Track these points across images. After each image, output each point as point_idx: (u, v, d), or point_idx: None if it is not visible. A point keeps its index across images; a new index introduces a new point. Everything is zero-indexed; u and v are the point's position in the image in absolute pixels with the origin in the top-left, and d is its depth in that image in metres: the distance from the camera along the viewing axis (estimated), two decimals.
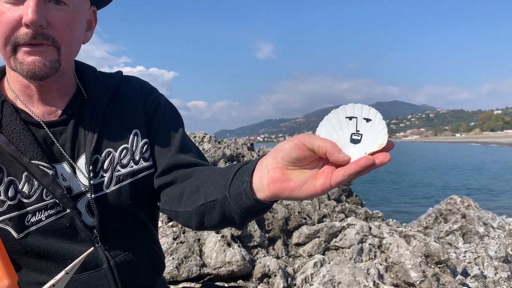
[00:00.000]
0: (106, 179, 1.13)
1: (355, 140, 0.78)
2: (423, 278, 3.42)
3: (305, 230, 4.04)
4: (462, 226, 5.22)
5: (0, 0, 0.96)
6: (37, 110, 1.11)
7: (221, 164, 5.03)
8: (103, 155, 1.14)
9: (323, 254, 3.82)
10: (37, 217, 1.04)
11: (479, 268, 4.22)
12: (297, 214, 4.31)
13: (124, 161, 1.17)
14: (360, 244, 3.83)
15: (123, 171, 1.16)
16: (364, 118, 0.79)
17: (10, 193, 1.02)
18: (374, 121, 0.78)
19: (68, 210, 1.06)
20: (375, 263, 3.60)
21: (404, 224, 5.18)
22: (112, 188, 1.13)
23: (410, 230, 4.41)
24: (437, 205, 6.50)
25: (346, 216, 4.81)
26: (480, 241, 4.91)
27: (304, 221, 4.32)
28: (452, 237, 5.18)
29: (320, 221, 4.45)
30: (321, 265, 3.25)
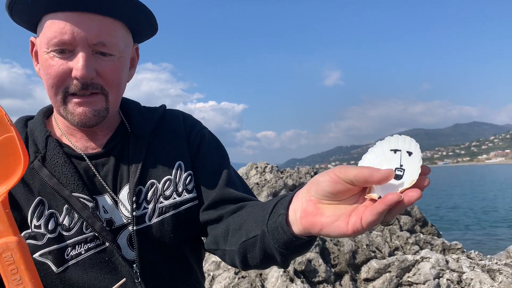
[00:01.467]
0: (149, 210, 1.12)
1: (398, 176, 0.70)
2: None
3: (374, 264, 3.76)
4: None
5: (48, 53, 1.00)
6: (80, 145, 1.13)
7: None
8: (146, 186, 1.13)
9: None
10: (77, 251, 1.04)
11: None
12: (365, 247, 4.04)
13: (167, 193, 1.15)
14: (437, 280, 3.48)
15: (165, 202, 1.15)
16: (407, 152, 0.73)
17: (50, 226, 1.02)
18: (414, 154, 0.72)
19: (107, 244, 1.04)
20: None
21: (488, 256, 4.68)
22: (155, 220, 1.12)
23: (496, 263, 3.96)
24: None
25: (421, 248, 4.44)
26: None
27: (373, 254, 4.03)
28: None
29: (391, 254, 4.13)
30: None
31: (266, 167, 5.23)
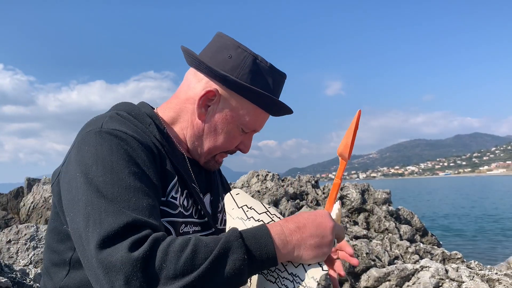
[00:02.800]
0: (219, 218, 1.38)
1: None
2: None
3: (374, 273, 3.76)
4: None
5: (237, 127, 1.24)
6: (184, 152, 1.31)
7: (283, 203, 4.92)
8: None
9: None
10: (187, 229, 1.20)
11: None
12: (365, 255, 4.05)
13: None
14: None
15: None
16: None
17: (181, 202, 1.17)
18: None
19: (212, 229, 1.27)
20: None
21: (488, 266, 4.68)
22: (219, 227, 1.36)
23: (496, 273, 3.96)
24: None
25: (421, 258, 4.45)
26: None
27: (373, 263, 4.04)
28: None
29: (390, 263, 4.14)
30: None
31: (267, 175, 5.25)
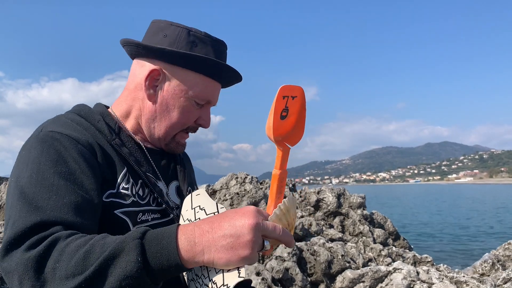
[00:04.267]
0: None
1: None
2: None
3: (349, 274, 3.89)
4: None
5: (189, 100, 1.24)
6: (146, 144, 1.32)
7: (262, 205, 5.01)
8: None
9: None
10: (146, 217, 1.19)
11: None
12: (340, 257, 4.17)
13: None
14: None
15: None
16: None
17: (133, 191, 1.17)
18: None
19: (171, 216, 1.25)
20: None
21: (456, 270, 4.87)
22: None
23: (463, 276, 4.15)
24: (493, 250, 6.11)
25: (393, 260, 4.60)
26: None
27: (348, 264, 4.17)
28: (510, 285, 4.83)
29: (365, 265, 4.28)
30: None
31: (246, 177, 5.33)
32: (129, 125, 1.29)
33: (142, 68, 1.25)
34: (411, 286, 3.69)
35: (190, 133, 1.34)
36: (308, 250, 4.18)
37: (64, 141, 1.04)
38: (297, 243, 4.28)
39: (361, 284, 3.80)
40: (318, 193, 5.81)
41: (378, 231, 5.17)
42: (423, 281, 3.76)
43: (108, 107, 1.32)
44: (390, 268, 3.86)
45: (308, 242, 4.43)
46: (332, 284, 4.00)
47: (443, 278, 3.86)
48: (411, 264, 4.59)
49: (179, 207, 1.29)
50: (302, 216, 5.29)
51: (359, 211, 5.38)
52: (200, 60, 1.19)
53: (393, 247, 4.98)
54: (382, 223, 5.46)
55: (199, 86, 1.23)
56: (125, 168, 1.16)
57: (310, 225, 4.96)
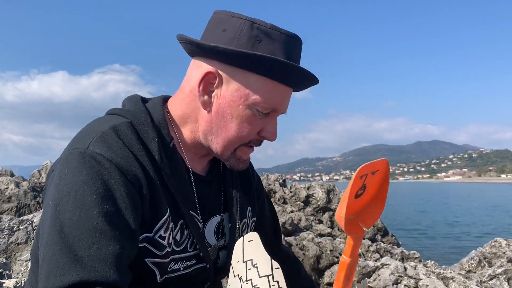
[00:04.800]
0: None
1: None
2: None
3: (337, 269, 3.91)
4: (507, 270, 4.91)
5: (250, 109, 1.02)
6: (194, 164, 1.13)
7: None
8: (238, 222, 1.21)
9: None
10: (178, 266, 1.06)
11: None
12: (329, 252, 4.20)
13: (244, 234, 1.20)
14: (395, 286, 3.67)
15: None
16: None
17: (170, 240, 1.03)
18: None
19: (208, 266, 1.11)
20: None
21: (443, 266, 4.92)
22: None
23: (450, 272, 4.19)
24: (480, 248, 6.18)
25: (381, 256, 4.64)
26: None
27: (336, 260, 4.19)
28: (496, 282, 4.88)
29: None
30: None
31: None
32: (184, 138, 1.11)
33: (198, 69, 1.05)
34: (399, 281, 3.73)
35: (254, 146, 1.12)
36: (297, 245, 4.20)
37: (113, 171, 0.91)
38: (286, 238, 4.30)
39: None
40: (308, 188, 5.83)
41: None
42: (410, 277, 3.79)
43: (166, 102, 1.14)
44: (378, 264, 3.89)
45: (297, 237, 4.45)
46: (320, 279, 4.02)
47: (430, 274, 3.89)
48: (399, 260, 4.63)
49: (217, 249, 1.16)
50: (291, 211, 5.31)
51: None
52: (264, 61, 0.97)
53: (382, 243, 5.03)
54: None
55: (262, 92, 1.01)
56: (168, 212, 1.01)
57: (300, 220, 4.99)
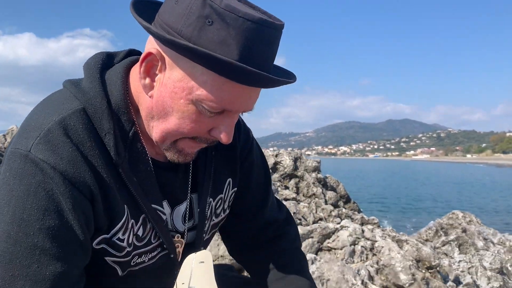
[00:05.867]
0: (206, 227, 1.14)
1: None
2: (412, 281, 3.46)
3: (299, 230, 4.09)
4: (458, 237, 5.23)
5: (196, 105, 0.86)
6: (158, 151, 1.02)
7: None
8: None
9: (316, 254, 3.87)
10: (142, 259, 1.03)
11: (471, 277, 4.23)
12: (292, 214, 4.37)
13: (218, 211, 1.17)
14: (353, 246, 3.88)
15: (215, 220, 1.17)
16: None
17: (130, 240, 0.98)
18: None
19: (171, 256, 1.07)
20: (366, 265, 3.64)
21: (401, 233, 5.19)
22: (206, 237, 1.16)
23: (405, 236, 4.44)
24: (438, 219, 6.51)
25: (342, 220, 4.86)
26: (476, 253, 4.92)
27: (299, 221, 4.38)
28: (448, 248, 5.20)
29: (315, 223, 4.50)
30: (312, 263, 3.31)
31: None
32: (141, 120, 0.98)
33: (147, 44, 0.90)
34: (356, 242, 3.94)
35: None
36: None
37: (58, 181, 0.82)
38: None
39: (310, 239, 4.02)
40: (276, 156, 5.98)
41: (330, 194, 5.43)
42: (367, 239, 4.01)
43: (129, 73, 0.98)
44: (338, 226, 4.10)
45: None
46: None
47: (386, 237, 4.13)
48: (359, 224, 4.87)
49: (185, 233, 1.09)
50: None
51: (313, 174, 5.60)
52: (205, 56, 0.78)
53: (343, 209, 5.25)
54: (335, 187, 5.72)
55: (209, 87, 0.83)
56: (126, 212, 0.94)
57: None
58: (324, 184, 5.56)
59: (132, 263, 1.01)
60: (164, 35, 0.80)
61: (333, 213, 4.92)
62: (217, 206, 1.16)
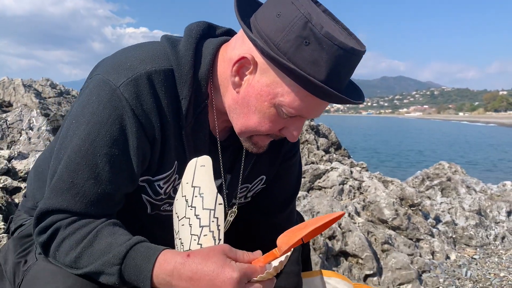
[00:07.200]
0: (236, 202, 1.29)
1: None
2: (395, 216, 3.77)
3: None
4: (442, 182, 5.53)
5: (276, 108, 0.99)
6: (219, 126, 1.15)
7: None
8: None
9: (308, 192, 4.15)
10: (170, 208, 1.14)
11: (451, 217, 4.56)
12: None
13: (239, 195, 1.28)
14: (341, 186, 4.16)
15: (235, 202, 1.29)
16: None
17: (168, 191, 1.12)
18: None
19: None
20: (353, 202, 3.94)
21: (388, 178, 5.49)
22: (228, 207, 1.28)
23: (390, 178, 4.74)
24: (425, 169, 6.81)
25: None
26: (457, 196, 5.23)
27: None
28: (431, 191, 5.52)
29: (307, 165, 4.78)
30: (304, 198, 3.59)
31: None
32: (219, 98, 1.09)
33: (241, 45, 1.01)
34: (345, 182, 4.23)
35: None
36: None
37: (133, 121, 0.96)
38: None
39: (302, 180, 4.30)
40: None
41: (322, 140, 5.67)
42: (355, 179, 4.30)
43: (220, 49, 1.08)
44: (328, 167, 4.36)
45: None
46: None
47: (372, 178, 4.42)
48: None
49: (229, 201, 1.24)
50: None
51: (306, 122, 5.83)
52: (299, 75, 0.91)
53: (334, 154, 5.52)
54: (327, 134, 5.96)
55: (292, 97, 0.96)
56: (174, 167, 1.08)
57: None
58: (316, 131, 5.80)
59: (161, 208, 1.15)
60: (269, 52, 0.91)
61: (324, 158, 5.19)
62: (241, 191, 1.27)
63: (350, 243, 3.22)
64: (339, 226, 3.32)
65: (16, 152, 2.68)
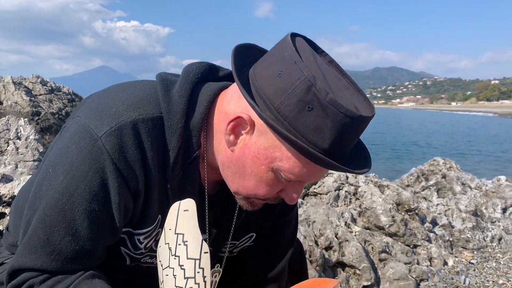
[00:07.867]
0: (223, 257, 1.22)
1: None
2: (392, 223, 3.72)
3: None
4: (438, 182, 5.50)
5: (275, 173, 0.92)
6: (210, 179, 1.06)
7: None
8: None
9: (303, 199, 4.10)
10: (151, 260, 1.10)
11: (447, 219, 4.54)
12: None
13: (223, 249, 1.22)
14: (337, 191, 4.11)
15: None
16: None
17: (149, 245, 1.06)
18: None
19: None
20: (349, 208, 3.89)
21: (383, 178, 5.45)
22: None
23: (386, 182, 4.69)
24: (420, 165, 6.78)
25: None
26: (453, 197, 5.21)
27: None
28: (427, 192, 5.49)
29: None
30: (299, 207, 3.53)
31: None
32: (212, 149, 1.00)
33: (237, 101, 0.92)
34: (340, 187, 4.18)
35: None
36: None
37: (115, 176, 0.89)
38: None
39: None
40: None
41: None
42: (351, 184, 4.25)
43: (219, 96, 1.00)
44: None
45: None
46: None
47: (368, 182, 4.37)
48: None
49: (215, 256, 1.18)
50: None
51: None
52: (298, 144, 0.84)
53: None
54: None
55: (291, 163, 0.88)
56: (157, 221, 1.01)
57: None
58: None
59: (142, 260, 1.09)
60: (267, 119, 0.83)
61: None
62: (226, 247, 1.22)
63: (347, 254, 3.17)
64: (335, 236, 3.27)
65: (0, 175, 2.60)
